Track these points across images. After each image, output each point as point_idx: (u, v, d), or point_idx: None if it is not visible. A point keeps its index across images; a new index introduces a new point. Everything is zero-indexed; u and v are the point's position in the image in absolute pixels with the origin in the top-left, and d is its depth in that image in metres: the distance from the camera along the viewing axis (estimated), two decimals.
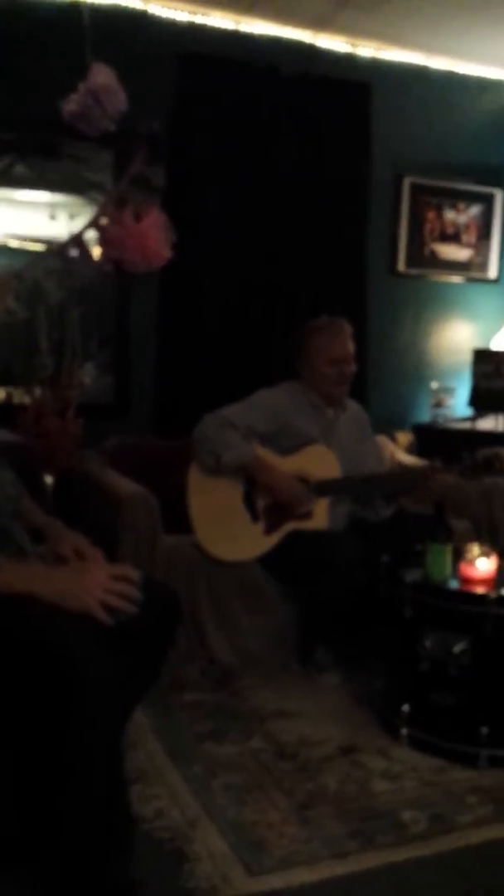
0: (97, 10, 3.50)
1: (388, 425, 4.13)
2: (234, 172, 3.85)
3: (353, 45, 4.09)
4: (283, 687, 2.76)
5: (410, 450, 4.03)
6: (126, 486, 2.96)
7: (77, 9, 3.26)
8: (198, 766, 2.23)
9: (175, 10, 3.73)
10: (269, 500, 2.91)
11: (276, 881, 1.77)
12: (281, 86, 3.88)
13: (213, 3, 3.71)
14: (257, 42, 3.89)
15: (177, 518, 2.88)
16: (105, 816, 1.55)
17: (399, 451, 3.88)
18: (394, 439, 4.00)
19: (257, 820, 1.99)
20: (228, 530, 2.91)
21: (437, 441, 4.05)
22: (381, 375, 4.31)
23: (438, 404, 4.34)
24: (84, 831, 1.53)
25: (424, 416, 4.42)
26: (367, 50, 4.12)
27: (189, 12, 3.75)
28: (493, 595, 2.26)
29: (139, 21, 3.68)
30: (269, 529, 2.91)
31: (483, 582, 2.36)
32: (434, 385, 4.39)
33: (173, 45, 3.73)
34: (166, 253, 2.52)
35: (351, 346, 3.04)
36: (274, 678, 2.82)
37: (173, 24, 3.75)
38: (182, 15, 3.75)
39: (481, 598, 2.26)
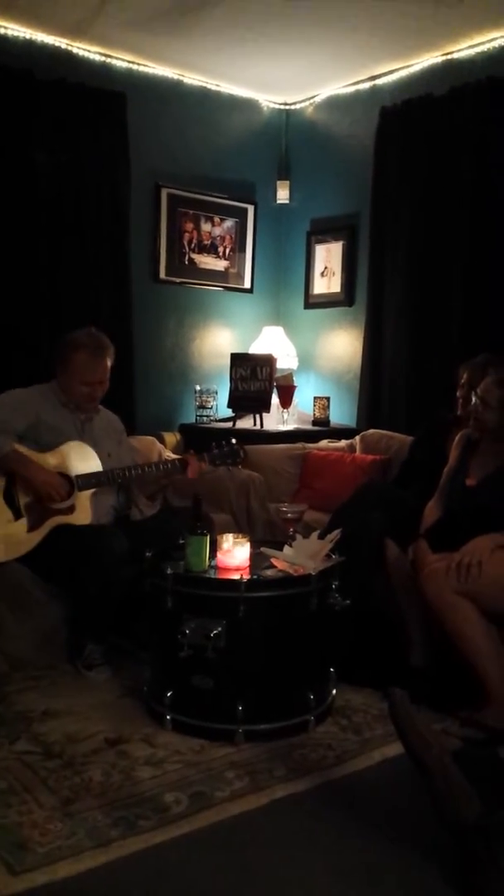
0: None
1: (155, 426, 4.26)
2: None
3: (108, 55, 4.15)
4: (51, 687, 2.75)
5: (178, 450, 4.16)
6: None
7: None
8: None
9: None
10: (30, 497, 2.89)
11: (39, 877, 1.78)
12: (36, 90, 3.85)
13: None
14: (11, 44, 3.84)
15: None
16: None
17: (167, 452, 4.00)
18: (161, 440, 4.12)
19: (21, 821, 1.98)
20: None
21: (202, 440, 4.19)
22: (148, 378, 4.41)
23: (202, 406, 4.53)
24: None
25: (190, 417, 4.59)
26: (122, 61, 4.20)
27: None
28: (244, 580, 2.41)
29: None
30: (33, 526, 2.88)
31: (238, 569, 2.51)
32: (197, 387, 4.57)
33: None
34: None
35: (107, 367, 3.05)
36: (43, 679, 2.80)
37: None
38: None
39: (234, 584, 2.40)
